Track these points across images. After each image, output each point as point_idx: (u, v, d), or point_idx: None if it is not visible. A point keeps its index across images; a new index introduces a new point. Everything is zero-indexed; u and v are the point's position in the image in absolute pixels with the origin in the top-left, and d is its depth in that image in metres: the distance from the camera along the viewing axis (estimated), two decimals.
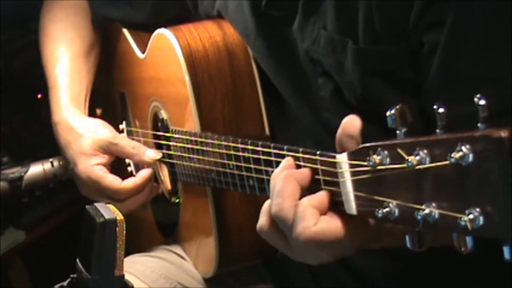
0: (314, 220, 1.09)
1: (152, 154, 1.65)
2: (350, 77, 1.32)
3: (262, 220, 1.16)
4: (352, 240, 1.12)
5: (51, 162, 1.86)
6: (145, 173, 1.66)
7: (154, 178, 1.69)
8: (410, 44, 1.26)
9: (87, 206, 1.13)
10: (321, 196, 1.12)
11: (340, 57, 1.33)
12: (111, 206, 1.14)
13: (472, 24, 1.19)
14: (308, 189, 1.14)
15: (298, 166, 1.17)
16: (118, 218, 1.11)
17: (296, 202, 1.11)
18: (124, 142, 1.67)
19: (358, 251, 1.14)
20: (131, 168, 1.84)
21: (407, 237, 1.02)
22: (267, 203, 1.17)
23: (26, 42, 2.19)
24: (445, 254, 1.12)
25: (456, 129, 0.93)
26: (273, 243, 1.18)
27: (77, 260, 1.14)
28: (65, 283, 1.16)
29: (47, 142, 1.87)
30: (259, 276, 1.68)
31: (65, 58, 1.80)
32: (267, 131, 1.54)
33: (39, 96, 2.17)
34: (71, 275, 1.15)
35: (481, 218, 0.88)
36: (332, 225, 1.10)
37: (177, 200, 1.68)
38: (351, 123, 1.10)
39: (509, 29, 1.18)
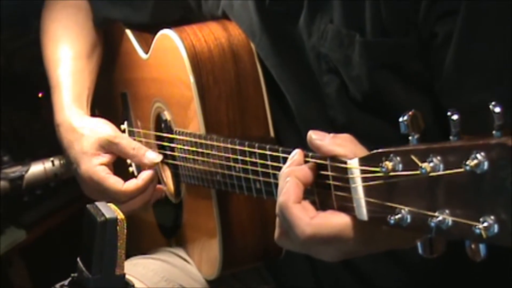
0: (307, 215, 1.10)
1: (152, 157, 1.63)
2: (358, 71, 1.32)
3: (276, 230, 1.16)
4: (360, 239, 1.11)
5: (52, 161, 1.86)
6: (147, 174, 1.64)
7: (158, 180, 1.68)
8: (420, 35, 1.26)
9: (88, 205, 1.14)
10: (295, 187, 1.12)
11: (348, 51, 1.33)
12: (112, 205, 1.14)
13: (485, 11, 1.19)
14: (319, 194, 1.14)
15: None
16: (119, 217, 1.11)
17: (299, 200, 1.11)
18: (124, 142, 1.65)
19: (370, 253, 1.14)
20: (132, 169, 1.83)
21: (418, 244, 1.01)
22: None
23: (27, 41, 2.18)
24: (453, 261, 1.12)
25: (472, 117, 0.94)
26: (291, 248, 1.17)
27: (78, 259, 1.15)
28: (66, 282, 1.17)
29: (48, 141, 1.87)
30: (261, 277, 1.68)
31: (67, 59, 1.78)
32: (271, 133, 1.54)
33: (40, 95, 2.16)
34: (72, 274, 1.16)
35: (495, 226, 0.88)
36: (332, 221, 1.10)
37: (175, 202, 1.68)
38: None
39: None
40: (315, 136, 1.14)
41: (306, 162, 1.17)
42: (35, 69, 2.12)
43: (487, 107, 0.90)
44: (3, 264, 2.14)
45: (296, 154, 1.18)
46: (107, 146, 1.64)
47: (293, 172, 1.14)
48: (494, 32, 1.20)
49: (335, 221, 1.10)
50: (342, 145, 1.12)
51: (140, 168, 1.79)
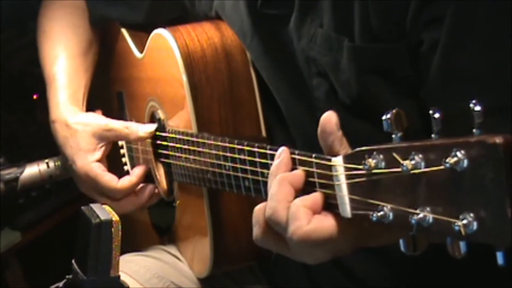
0: (306, 219, 1.10)
1: (147, 128, 1.65)
2: (346, 76, 1.33)
3: (256, 229, 1.17)
4: (347, 238, 1.12)
5: (47, 163, 1.86)
6: (139, 170, 1.66)
7: (152, 182, 1.69)
8: (408, 42, 1.26)
9: (82, 207, 1.14)
10: (315, 197, 1.13)
11: (337, 55, 1.33)
12: (107, 207, 1.15)
13: (472, 20, 1.19)
14: (303, 191, 1.15)
15: (294, 168, 1.17)
16: (113, 219, 1.12)
17: (290, 204, 1.12)
18: (117, 125, 1.67)
19: (356, 250, 1.15)
20: (127, 167, 1.84)
21: (401, 241, 1.02)
22: (257, 210, 1.17)
23: (23, 43, 2.19)
24: (443, 259, 1.12)
25: (457, 126, 0.94)
26: (271, 248, 1.18)
27: (73, 261, 1.15)
28: (60, 284, 1.17)
29: (43, 143, 1.88)
30: (254, 276, 1.69)
31: (63, 57, 1.80)
32: (263, 133, 1.55)
33: (35, 96, 2.17)
34: (67, 276, 1.16)
35: (475, 224, 0.89)
36: (325, 223, 1.11)
37: (174, 205, 1.68)
38: (328, 120, 1.13)
39: (509, 24, 1.18)
40: (335, 120, 1.13)
41: (292, 159, 1.17)
42: (30, 71, 2.14)
43: (469, 117, 0.91)
44: None
45: (283, 153, 1.18)
46: (102, 136, 1.66)
47: (286, 178, 1.15)
48: (479, 40, 1.20)
49: (328, 224, 1.11)
50: (343, 147, 1.13)
51: (135, 165, 1.81)
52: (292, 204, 1.11)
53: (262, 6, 1.47)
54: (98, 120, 1.68)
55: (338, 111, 1.35)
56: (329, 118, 1.13)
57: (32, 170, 1.87)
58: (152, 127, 1.65)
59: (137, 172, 1.65)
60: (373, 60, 1.30)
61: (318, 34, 1.37)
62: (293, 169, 1.17)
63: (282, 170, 1.17)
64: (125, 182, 1.64)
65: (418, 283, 1.48)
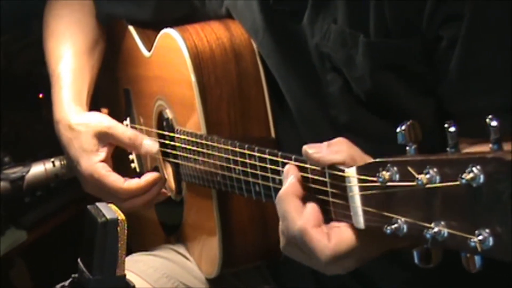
0: (325, 237, 1.10)
1: (148, 146, 1.63)
2: (360, 72, 1.32)
3: (281, 240, 1.17)
4: (367, 245, 1.12)
5: (53, 162, 1.85)
6: (151, 176, 1.64)
7: (164, 183, 1.68)
8: (424, 38, 1.26)
9: (88, 206, 1.14)
10: (314, 211, 1.13)
11: (351, 51, 1.33)
12: (113, 206, 1.15)
13: (491, 16, 1.19)
14: (317, 200, 1.14)
15: (306, 178, 1.17)
16: (119, 218, 1.12)
17: (319, 223, 1.12)
18: (119, 131, 1.65)
19: (381, 254, 1.15)
20: (134, 165, 1.84)
21: (415, 253, 1.02)
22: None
23: (28, 42, 2.18)
24: (455, 264, 1.12)
25: (474, 121, 0.95)
26: (299, 260, 1.18)
27: (79, 260, 1.15)
28: (66, 283, 1.17)
29: (48, 141, 1.87)
30: (261, 276, 1.68)
31: (68, 55, 1.79)
32: (272, 134, 1.54)
33: (40, 95, 2.16)
34: (73, 275, 1.16)
35: (491, 239, 0.88)
36: (343, 235, 1.11)
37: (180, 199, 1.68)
38: (305, 154, 1.15)
39: None
40: (311, 150, 1.15)
41: (304, 169, 1.17)
42: (35, 70, 2.13)
43: (490, 112, 0.90)
44: (4, 265, 2.14)
45: (291, 171, 1.19)
46: (104, 138, 1.65)
47: (287, 193, 1.15)
48: (499, 37, 1.20)
49: (348, 234, 1.11)
50: (339, 152, 1.13)
51: (142, 163, 1.81)
52: (298, 231, 1.11)
53: (274, 2, 1.46)
54: (101, 121, 1.67)
55: (352, 106, 1.36)
56: (305, 152, 1.15)
57: (38, 169, 1.87)
58: (155, 148, 1.63)
59: (147, 178, 1.63)
60: (388, 56, 1.30)
61: (331, 30, 1.36)
62: (306, 179, 1.17)
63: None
64: (133, 184, 1.62)
65: (428, 284, 1.48)
